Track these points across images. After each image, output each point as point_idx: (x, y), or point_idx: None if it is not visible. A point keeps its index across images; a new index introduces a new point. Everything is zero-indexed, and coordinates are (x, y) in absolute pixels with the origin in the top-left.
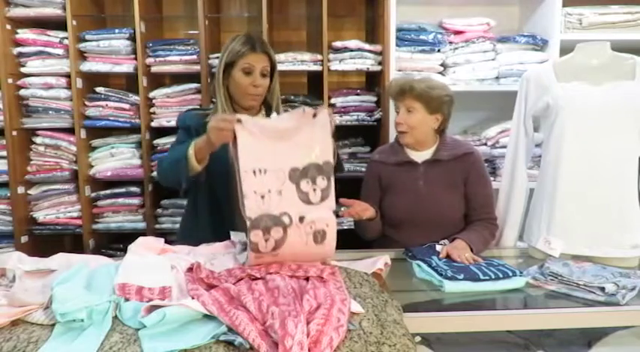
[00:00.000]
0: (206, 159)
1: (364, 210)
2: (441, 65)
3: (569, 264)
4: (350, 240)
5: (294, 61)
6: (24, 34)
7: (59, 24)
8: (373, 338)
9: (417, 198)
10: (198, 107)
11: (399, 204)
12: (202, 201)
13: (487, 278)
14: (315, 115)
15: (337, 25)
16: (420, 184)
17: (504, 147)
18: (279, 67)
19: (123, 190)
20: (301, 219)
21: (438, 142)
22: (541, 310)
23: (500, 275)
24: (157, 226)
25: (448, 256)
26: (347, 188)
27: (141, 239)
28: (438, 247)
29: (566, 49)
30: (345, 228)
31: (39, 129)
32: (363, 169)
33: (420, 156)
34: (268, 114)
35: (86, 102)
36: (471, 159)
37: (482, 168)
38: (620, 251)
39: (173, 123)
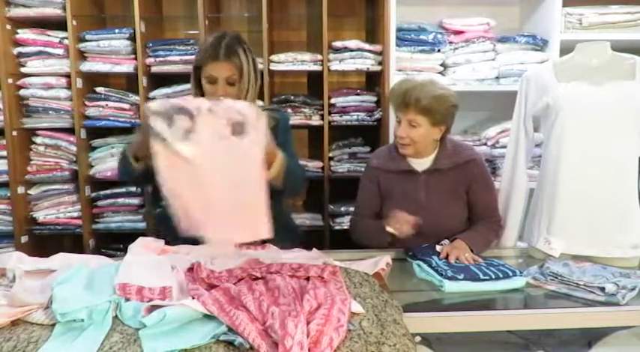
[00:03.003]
0: (147, 157)
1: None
2: (441, 65)
3: (569, 264)
4: (350, 239)
5: (294, 61)
6: (24, 34)
7: (59, 24)
8: (373, 338)
9: (418, 209)
10: None
11: None
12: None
13: (487, 278)
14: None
15: (337, 25)
16: (421, 195)
17: (504, 147)
18: (279, 67)
19: (123, 190)
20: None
21: (438, 149)
22: (541, 310)
23: (500, 275)
24: None
25: (448, 256)
26: (347, 188)
27: (141, 239)
28: (438, 247)
29: (566, 49)
30: (345, 228)
31: (39, 129)
32: (363, 169)
33: (420, 164)
34: None
35: (86, 102)
36: (472, 167)
37: (485, 173)
38: (621, 251)
39: None
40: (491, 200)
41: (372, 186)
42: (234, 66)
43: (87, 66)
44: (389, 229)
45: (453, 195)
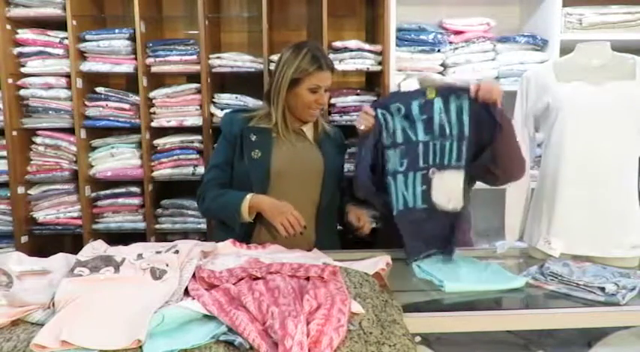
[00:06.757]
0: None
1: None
2: (441, 65)
3: (569, 264)
4: (349, 240)
5: None
6: (24, 34)
7: (59, 24)
8: (373, 338)
9: None
10: (242, 109)
11: None
12: None
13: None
14: None
15: (337, 25)
16: None
17: None
18: None
19: (123, 190)
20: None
21: None
22: (541, 310)
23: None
24: (157, 226)
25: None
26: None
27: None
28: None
29: (566, 49)
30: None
31: (39, 129)
32: None
33: None
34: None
35: (86, 102)
36: None
37: None
38: (621, 251)
39: (173, 123)
40: None
41: None
42: (331, 74)
43: (87, 66)
44: None
45: None
